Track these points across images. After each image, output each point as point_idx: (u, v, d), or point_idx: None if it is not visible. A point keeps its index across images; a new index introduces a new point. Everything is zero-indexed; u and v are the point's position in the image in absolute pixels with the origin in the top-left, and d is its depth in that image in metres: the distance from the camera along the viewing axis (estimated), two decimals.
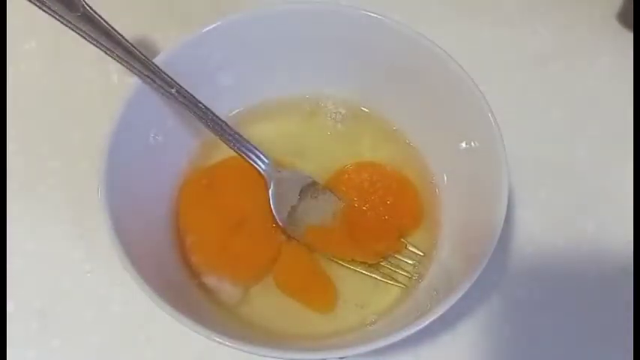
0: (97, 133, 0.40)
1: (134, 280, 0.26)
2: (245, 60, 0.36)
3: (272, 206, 0.34)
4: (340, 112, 0.38)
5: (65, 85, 0.42)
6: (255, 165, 0.35)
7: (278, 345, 0.28)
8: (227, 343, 0.26)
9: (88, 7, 0.29)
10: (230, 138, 0.34)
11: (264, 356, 0.26)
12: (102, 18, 0.29)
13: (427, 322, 0.26)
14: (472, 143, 0.32)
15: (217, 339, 0.26)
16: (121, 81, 0.42)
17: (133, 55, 0.30)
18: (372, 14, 0.34)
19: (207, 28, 0.33)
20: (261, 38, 0.35)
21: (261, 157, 0.35)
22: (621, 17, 0.45)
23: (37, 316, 0.35)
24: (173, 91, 0.32)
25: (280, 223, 0.34)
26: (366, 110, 0.38)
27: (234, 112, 0.38)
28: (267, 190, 0.35)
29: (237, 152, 0.34)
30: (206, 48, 0.34)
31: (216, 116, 0.33)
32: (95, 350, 0.35)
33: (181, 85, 0.32)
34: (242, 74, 0.36)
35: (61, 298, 0.36)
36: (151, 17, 0.44)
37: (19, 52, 0.43)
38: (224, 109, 0.36)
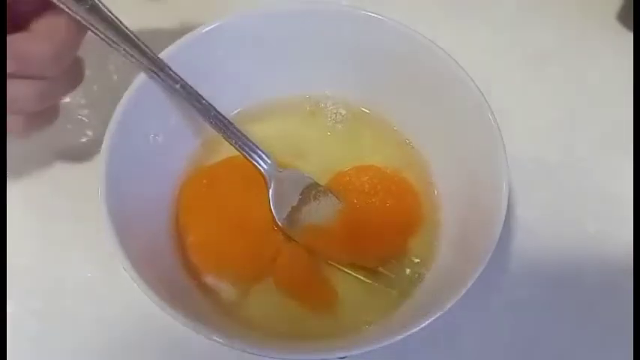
0: (97, 133, 0.40)
1: (134, 280, 0.26)
2: (245, 60, 0.36)
3: (272, 206, 0.34)
4: (340, 113, 0.38)
5: None
6: (256, 164, 0.35)
7: (278, 345, 0.28)
8: (227, 343, 0.26)
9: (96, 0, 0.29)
10: (232, 136, 0.34)
11: (264, 356, 0.26)
12: (110, 11, 0.29)
13: (427, 322, 0.26)
14: (472, 143, 0.32)
15: (217, 339, 0.26)
16: (121, 81, 0.42)
17: (139, 49, 0.30)
18: (372, 14, 0.34)
19: (207, 29, 0.33)
20: (261, 38, 0.35)
21: (264, 156, 0.35)
22: (621, 17, 0.45)
23: (37, 317, 0.35)
24: (177, 86, 0.32)
25: (280, 224, 0.34)
26: (366, 111, 0.38)
27: (234, 112, 0.38)
28: (268, 190, 0.35)
29: (239, 150, 0.34)
30: (206, 48, 0.34)
31: (219, 113, 0.33)
32: (95, 351, 0.34)
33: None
34: (242, 74, 0.36)
35: (61, 298, 0.36)
36: (151, 17, 0.44)
37: None
38: (224, 109, 0.36)
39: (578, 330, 0.35)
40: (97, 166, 0.29)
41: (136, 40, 0.30)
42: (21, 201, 0.38)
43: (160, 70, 0.31)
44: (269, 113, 0.38)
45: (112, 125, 0.30)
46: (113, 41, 0.30)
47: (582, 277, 0.37)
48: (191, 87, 0.32)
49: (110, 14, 0.30)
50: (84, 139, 0.41)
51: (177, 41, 0.33)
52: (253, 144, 0.35)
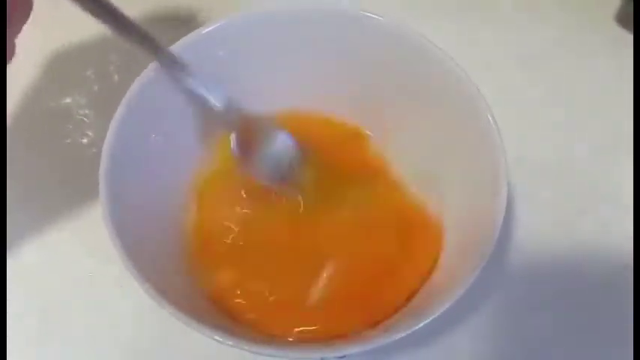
0: (98, 133, 0.40)
1: (136, 280, 0.27)
2: (245, 61, 0.36)
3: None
4: (339, 114, 0.38)
5: (65, 85, 0.42)
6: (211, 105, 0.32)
7: (278, 344, 0.28)
8: (228, 342, 0.26)
9: None
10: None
11: (264, 355, 0.26)
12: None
13: (427, 322, 0.26)
14: (471, 144, 0.32)
15: (218, 338, 0.26)
16: (122, 81, 0.42)
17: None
18: (373, 15, 0.34)
19: (207, 29, 0.33)
20: (264, 39, 0.35)
21: (217, 94, 0.31)
22: (619, 18, 0.45)
23: (37, 316, 0.35)
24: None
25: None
26: (365, 112, 0.38)
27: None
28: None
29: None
30: (206, 49, 0.34)
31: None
32: (96, 350, 0.35)
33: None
34: (242, 76, 0.36)
35: (61, 298, 0.36)
36: (150, 17, 0.45)
37: (18, 52, 0.43)
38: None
39: (578, 329, 0.35)
40: (98, 166, 0.29)
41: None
42: (21, 201, 0.38)
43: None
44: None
45: (113, 125, 0.30)
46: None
47: (582, 277, 0.37)
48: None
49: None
50: (84, 140, 0.41)
51: (177, 42, 0.33)
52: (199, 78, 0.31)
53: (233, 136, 0.33)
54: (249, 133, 0.33)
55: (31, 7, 0.27)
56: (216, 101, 0.32)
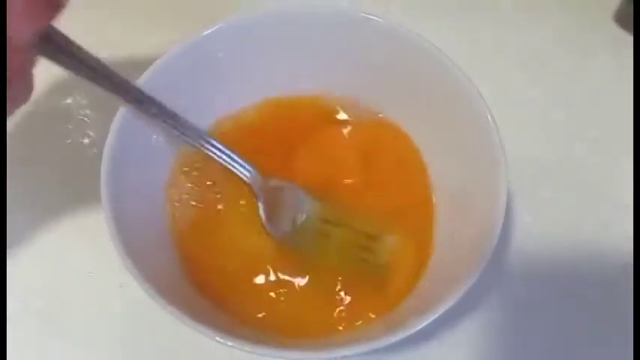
0: (99, 134, 0.40)
1: (136, 280, 0.27)
2: (246, 62, 0.36)
3: (264, 220, 0.34)
4: (339, 114, 0.38)
5: (66, 85, 0.42)
6: (240, 175, 0.34)
7: (279, 345, 0.28)
8: (229, 343, 0.26)
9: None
10: (211, 148, 0.33)
11: (265, 356, 0.26)
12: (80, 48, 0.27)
13: (427, 322, 0.26)
14: (471, 144, 0.32)
15: (219, 339, 0.26)
16: None
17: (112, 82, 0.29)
18: (372, 16, 0.34)
19: (207, 31, 0.33)
20: (262, 40, 0.35)
21: (246, 166, 0.34)
22: (618, 18, 0.45)
23: (37, 316, 0.35)
24: (153, 110, 0.31)
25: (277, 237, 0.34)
26: (363, 110, 0.38)
27: (234, 110, 0.37)
28: (257, 203, 0.34)
29: (221, 162, 0.34)
30: (205, 51, 0.34)
31: (197, 128, 0.33)
32: (96, 351, 0.35)
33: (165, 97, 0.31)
34: (243, 76, 0.36)
35: (62, 298, 0.36)
36: (151, 18, 0.44)
37: None
38: (224, 109, 0.36)
39: (578, 329, 0.35)
40: (99, 166, 0.29)
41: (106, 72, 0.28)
42: (21, 201, 0.38)
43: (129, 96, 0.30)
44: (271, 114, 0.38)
45: (114, 127, 0.30)
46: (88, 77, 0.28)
47: (582, 277, 0.37)
48: (164, 106, 0.31)
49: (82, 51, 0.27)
50: (86, 140, 0.41)
51: (177, 44, 0.33)
52: (233, 153, 0.34)
53: (261, 206, 0.34)
54: (275, 199, 0.34)
55: (31, 90, 0.26)
56: (243, 174, 0.34)
